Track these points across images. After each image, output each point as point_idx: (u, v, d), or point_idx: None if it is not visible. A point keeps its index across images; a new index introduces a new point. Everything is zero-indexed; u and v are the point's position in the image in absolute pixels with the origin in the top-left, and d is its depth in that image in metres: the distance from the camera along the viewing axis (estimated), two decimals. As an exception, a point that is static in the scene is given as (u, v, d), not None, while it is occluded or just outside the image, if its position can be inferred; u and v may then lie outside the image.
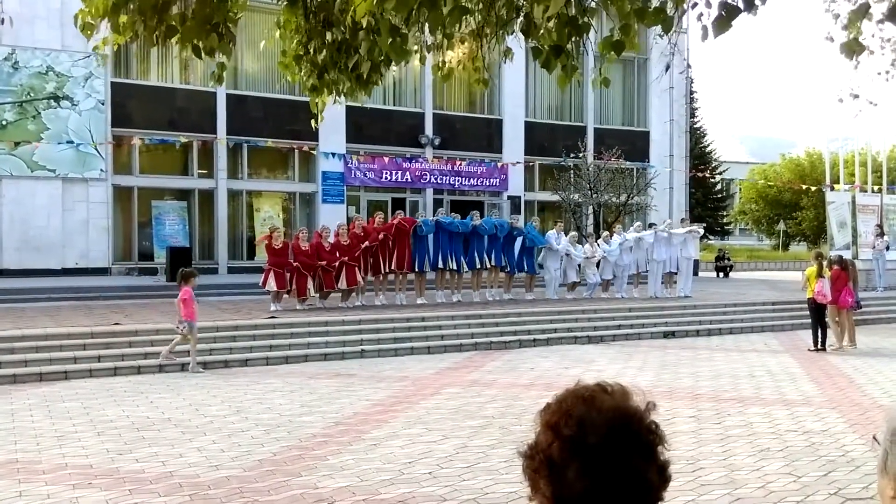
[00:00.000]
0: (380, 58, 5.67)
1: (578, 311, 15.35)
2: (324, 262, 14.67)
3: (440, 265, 16.18)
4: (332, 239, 15.11)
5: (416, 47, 6.67)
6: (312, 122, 7.06)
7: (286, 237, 15.68)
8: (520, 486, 1.20)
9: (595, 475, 1.20)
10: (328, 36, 5.75)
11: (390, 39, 4.70)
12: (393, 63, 5.96)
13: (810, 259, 13.81)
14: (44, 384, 9.67)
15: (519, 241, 17.34)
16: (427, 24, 5.40)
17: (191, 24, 4.99)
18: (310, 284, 14.59)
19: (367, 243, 15.06)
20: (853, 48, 5.13)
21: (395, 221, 15.77)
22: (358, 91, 6.22)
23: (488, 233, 16.64)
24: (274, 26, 6.48)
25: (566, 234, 18.23)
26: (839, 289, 13.07)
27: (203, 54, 5.36)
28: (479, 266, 16.58)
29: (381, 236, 15.29)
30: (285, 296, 14.63)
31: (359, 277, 14.99)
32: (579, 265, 17.95)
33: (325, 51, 5.84)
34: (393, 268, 15.61)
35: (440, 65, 6.39)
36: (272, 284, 14.28)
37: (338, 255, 14.81)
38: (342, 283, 14.98)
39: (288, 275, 14.43)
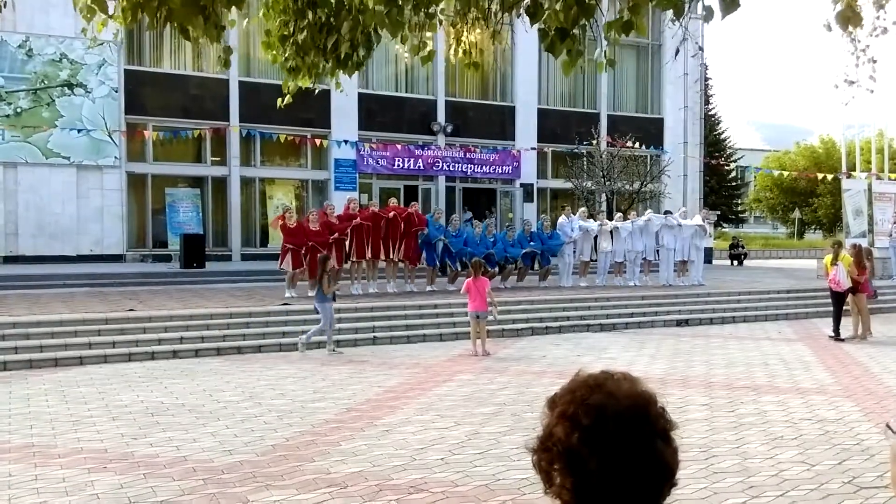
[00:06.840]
0: (360, 35, 5.53)
1: (591, 298, 15.31)
2: (336, 234, 14.70)
3: (456, 267, 16.17)
4: (339, 212, 15.31)
5: (413, 34, 6.48)
6: (279, 101, 6.81)
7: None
8: (532, 472, 1.22)
9: (616, 462, 1.21)
10: (309, 16, 5.65)
11: (386, 10, 4.60)
12: (376, 43, 5.86)
13: (830, 247, 13.76)
14: (59, 369, 9.76)
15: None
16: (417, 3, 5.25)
17: (177, 8, 4.88)
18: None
19: (378, 211, 15.23)
20: (848, 17, 4.98)
21: (412, 210, 15.75)
22: (338, 72, 6.04)
23: (501, 256, 16.39)
24: (262, 6, 6.37)
25: (575, 214, 18.14)
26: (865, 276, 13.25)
27: (201, 37, 5.25)
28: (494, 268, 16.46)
29: (391, 214, 15.32)
30: (300, 282, 14.67)
31: (367, 251, 15.03)
32: (595, 238, 17.80)
33: (305, 31, 5.75)
34: (401, 258, 15.62)
35: (420, 46, 6.20)
36: (289, 263, 14.36)
37: (346, 224, 14.93)
38: (353, 255, 15.06)
39: (303, 254, 14.45)
